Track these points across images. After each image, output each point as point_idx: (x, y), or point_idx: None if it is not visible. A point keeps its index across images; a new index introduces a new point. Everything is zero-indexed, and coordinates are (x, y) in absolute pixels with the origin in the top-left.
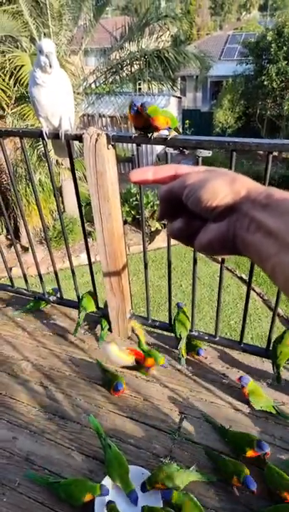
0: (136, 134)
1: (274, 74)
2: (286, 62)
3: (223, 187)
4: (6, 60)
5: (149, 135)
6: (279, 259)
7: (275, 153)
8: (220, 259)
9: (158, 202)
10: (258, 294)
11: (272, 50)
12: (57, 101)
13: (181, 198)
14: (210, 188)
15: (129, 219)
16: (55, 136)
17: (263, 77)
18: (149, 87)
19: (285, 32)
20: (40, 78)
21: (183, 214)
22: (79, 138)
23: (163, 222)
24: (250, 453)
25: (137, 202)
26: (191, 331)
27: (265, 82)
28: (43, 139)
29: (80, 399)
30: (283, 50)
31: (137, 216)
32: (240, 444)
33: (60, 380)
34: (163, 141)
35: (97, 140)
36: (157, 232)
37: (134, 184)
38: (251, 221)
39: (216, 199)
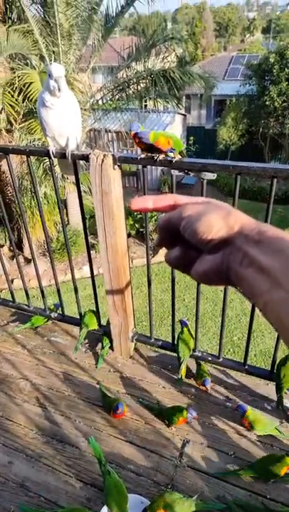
0: (142, 156)
1: (276, 95)
2: (287, 83)
3: (218, 221)
4: (15, 77)
5: (155, 157)
6: (271, 296)
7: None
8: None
9: (162, 216)
10: (260, 310)
11: (274, 71)
12: (64, 123)
13: (179, 228)
14: (205, 222)
15: (133, 232)
16: (61, 155)
17: (265, 98)
18: (154, 105)
19: (287, 54)
20: (49, 101)
21: (180, 243)
22: (85, 158)
23: None
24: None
25: (140, 215)
26: (194, 350)
27: (267, 102)
28: (50, 157)
29: (79, 421)
30: (285, 72)
31: (141, 229)
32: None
33: (59, 401)
34: (168, 163)
35: (103, 161)
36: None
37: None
38: (244, 256)
39: (210, 232)
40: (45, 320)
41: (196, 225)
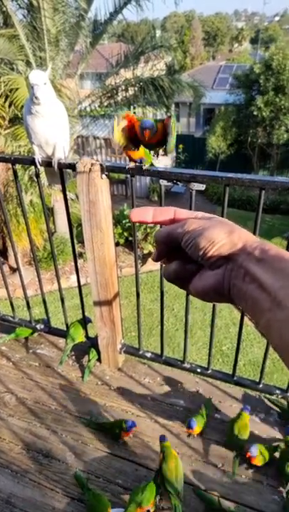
0: (130, 165)
1: (263, 105)
2: (273, 93)
3: (221, 236)
4: (1, 82)
5: (144, 167)
6: (274, 315)
7: None
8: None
9: (151, 225)
10: (250, 319)
11: (261, 81)
12: (50, 130)
13: (179, 243)
14: (208, 236)
15: (122, 241)
16: (47, 163)
17: (253, 107)
18: (143, 112)
19: (273, 65)
20: (33, 108)
21: (179, 257)
22: (72, 167)
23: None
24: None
25: (130, 224)
26: (183, 362)
27: (255, 112)
28: (36, 166)
29: (65, 435)
30: (271, 82)
31: (130, 238)
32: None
33: (45, 415)
34: (157, 173)
35: (90, 169)
36: (149, 254)
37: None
38: (246, 273)
39: (213, 247)
40: (31, 332)
41: (199, 239)
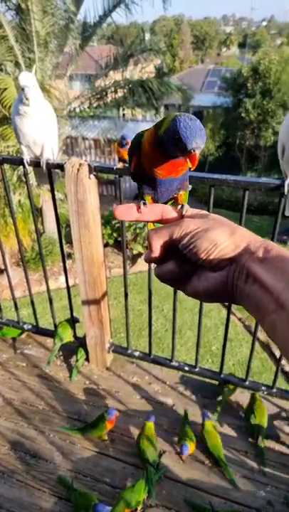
0: (118, 166)
1: (250, 107)
2: (260, 96)
3: (224, 238)
4: None
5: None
6: (278, 316)
7: None
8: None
9: (140, 225)
10: (239, 319)
11: (248, 85)
12: (38, 131)
13: (175, 243)
14: (210, 239)
15: (111, 241)
16: (36, 164)
17: (241, 110)
18: (132, 114)
19: (259, 69)
20: (21, 109)
21: (173, 257)
22: (61, 167)
23: (146, 245)
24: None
25: (119, 224)
26: (171, 360)
27: (243, 115)
28: (24, 166)
29: (53, 435)
30: (259, 85)
31: (119, 239)
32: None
33: (33, 415)
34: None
35: (78, 170)
36: (139, 255)
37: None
38: (249, 273)
39: (215, 249)
40: (19, 332)
41: (200, 241)
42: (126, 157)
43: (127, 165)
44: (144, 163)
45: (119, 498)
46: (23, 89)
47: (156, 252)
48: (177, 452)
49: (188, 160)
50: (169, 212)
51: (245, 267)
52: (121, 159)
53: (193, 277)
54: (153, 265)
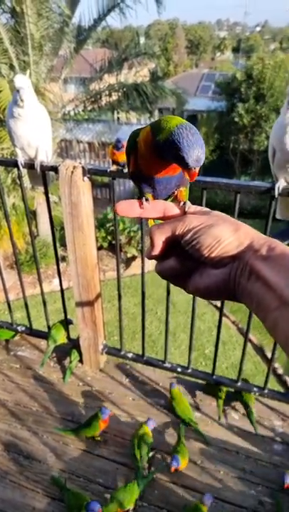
0: (112, 169)
1: (244, 112)
2: (254, 101)
3: (227, 234)
4: None
5: (125, 170)
6: (281, 314)
7: None
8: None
9: (136, 228)
10: (233, 322)
11: (242, 89)
12: (32, 133)
13: (177, 240)
14: (213, 235)
15: (105, 244)
16: (30, 166)
17: (234, 114)
18: (126, 117)
19: (253, 74)
20: (15, 111)
21: (174, 254)
22: (55, 169)
23: (140, 248)
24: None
25: (113, 227)
26: (164, 362)
27: (236, 119)
28: (18, 168)
29: (46, 436)
30: (252, 90)
31: (113, 242)
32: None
33: (26, 417)
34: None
35: (72, 172)
36: (133, 258)
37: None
38: (252, 271)
39: (219, 246)
40: (12, 334)
41: (203, 237)
42: (120, 160)
43: (120, 168)
44: (140, 164)
45: (111, 498)
46: (18, 91)
47: (158, 248)
48: (168, 452)
49: (186, 174)
50: (171, 208)
51: (249, 264)
52: (115, 162)
53: (194, 274)
54: (149, 265)
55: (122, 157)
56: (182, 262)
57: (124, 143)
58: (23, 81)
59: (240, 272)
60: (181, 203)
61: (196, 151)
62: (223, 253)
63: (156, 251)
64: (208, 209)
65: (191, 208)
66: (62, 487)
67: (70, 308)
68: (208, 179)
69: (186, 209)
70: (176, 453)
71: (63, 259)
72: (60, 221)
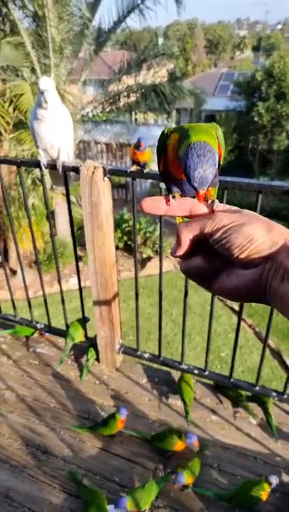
0: (132, 169)
1: (264, 111)
2: (274, 99)
3: (261, 233)
4: (6, 88)
5: (145, 170)
6: None
7: None
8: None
9: (151, 229)
10: (249, 326)
11: (263, 88)
12: (55, 135)
13: (206, 238)
14: (246, 234)
15: (121, 245)
16: (52, 166)
17: (254, 113)
18: (144, 118)
19: (274, 72)
20: (39, 113)
21: (200, 252)
22: (76, 170)
23: (156, 249)
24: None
25: (129, 228)
26: (180, 363)
27: (256, 118)
28: (41, 169)
29: (63, 433)
30: (273, 89)
31: (129, 242)
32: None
33: (44, 412)
34: (158, 176)
35: (93, 172)
36: (148, 259)
37: (146, 213)
38: (286, 272)
39: (251, 245)
40: (32, 331)
41: (235, 236)
42: (141, 160)
43: (140, 168)
44: (168, 166)
45: (128, 497)
46: (42, 93)
47: (185, 246)
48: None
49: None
50: (199, 207)
51: (283, 265)
52: (135, 162)
53: (221, 274)
54: (165, 266)
55: (143, 157)
56: (209, 261)
57: (144, 142)
58: (47, 83)
59: (273, 274)
60: (209, 201)
61: (200, 176)
62: (255, 253)
63: (183, 249)
64: (237, 208)
65: (219, 206)
66: (78, 483)
67: (86, 307)
68: (229, 179)
69: (215, 207)
70: (183, 469)
71: (80, 258)
72: (78, 221)
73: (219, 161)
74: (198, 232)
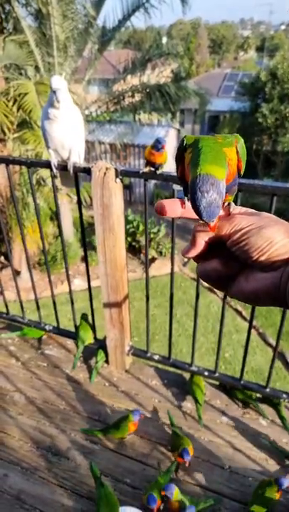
0: (145, 170)
1: (268, 112)
2: (278, 101)
3: (280, 236)
4: (10, 87)
5: (158, 171)
6: None
7: None
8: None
9: (156, 230)
10: (253, 327)
11: (266, 89)
12: (67, 135)
13: (222, 240)
14: (265, 236)
15: (125, 246)
16: (63, 167)
17: (258, 115)
18: (148, 118)
19: (278, 73)
20: (51, 113)
21: (216, 254)
22: (87, 171)
23: (160, 250)
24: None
25: (133, 229)
26: (190, 365)
27: (260, 120)
28: (51, 169)
29: (74, 434)
30: (277, 90)
31: (133, 243)
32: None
33: (54, 414)
34: (171, 178)
35: (105, 174)
36: (153, 260)
37: (159, 215)
38: None
39: (271, 248)
40: (42, 333)
41: (254, 239)
42: (157, 161)
43: (154, 169)
44: (185, 176)
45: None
46: (54, 92)
47: (200, 247)
48: (197, 456)
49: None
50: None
51: None
52: (150, 163)
53: (239, 277)
54: (168, 267)
55: (160, 159)
56: (226, 263)
57: (165, 144)
58: (60, 82)
59: None
60: (226, 204)
61: (204, 209)
62: (275, 256)
63: (197, 251)
64: (254, 210)
65: (236, 209)
66: (96, 478)
67: (88, 308)
68: (243, 180)
69: (231, 210)
70: (183, 446)
71: (83, 259)
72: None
73: (239, 172)
74: (220, 234)
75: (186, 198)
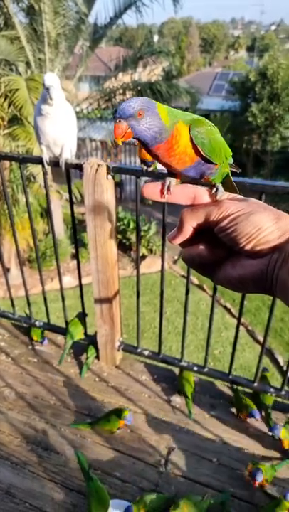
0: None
1: (257, 112)
2: (268, 101)
3: (269, 223)
4: (1, 83)
5: (150, 168)
6: None
7: None
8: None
9: (146, 228)
10: (242, 324)
11: (256, 89)
12: (59, 131)
13: (210, 225)
14: (254, 223)
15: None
16: (55, 163)
17: (248, 114)
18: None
19: (268, 73)
20: (44, 109)
21: (203, 240)
22: (79, 167)
23: (150, 247)
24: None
25: (123, 226)
26: (180, 360)
27: (250, 119)
28: (43, 165)
29: (64, 429)
30: (267, 90)
31: (123, 241)
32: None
33: (44, 409)
34: (163, 175)
35: (97, 170)
36: (143, 257)
37: (147, 199)
38: None
39: (259, 234)
40: (40, 332)
41: (242, 225)
42: (149, 159)
43: (147, 167)
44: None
45: (139, 501)
46: (47, 89)
47: (187, 233)
48: (186, 449)
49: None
50: (202, 195)
51: None
52: (143, 161)
53: (226, 264)
54: (158, 265)
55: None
56: (212, 249)
57: None
58: (53, 79)
59: (281, 264)
60: (213, 190)
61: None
62: (263, 243)
63: (184, 236)
64: (242, 196)
65: (224, 195)
66: (85, 471)
67: (79, 305)
68: (234, 179)
69: (218, 197)
70: (256, 465)
71: (74, 256)
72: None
73: (203, 158)
74: (203, 219)
75: (166, 180)
